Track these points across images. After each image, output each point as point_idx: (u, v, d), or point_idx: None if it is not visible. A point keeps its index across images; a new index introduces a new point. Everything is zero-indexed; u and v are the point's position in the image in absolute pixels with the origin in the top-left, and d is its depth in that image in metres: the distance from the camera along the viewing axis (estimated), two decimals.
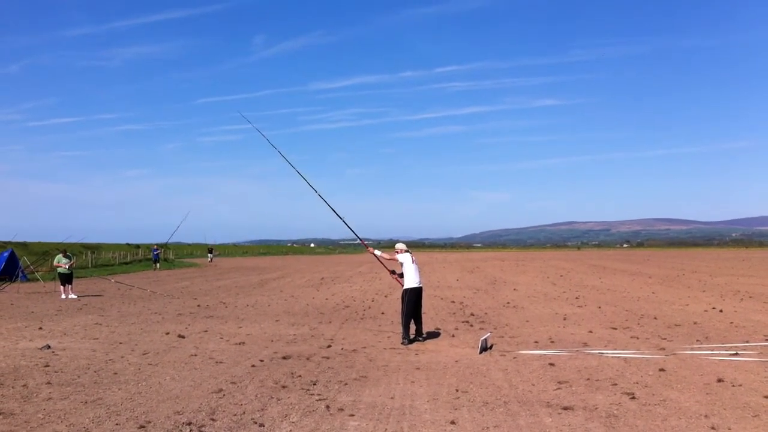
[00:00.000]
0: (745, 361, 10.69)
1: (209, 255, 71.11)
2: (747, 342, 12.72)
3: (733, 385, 8.90)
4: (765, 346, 12.23)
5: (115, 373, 10.07)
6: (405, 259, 13.15)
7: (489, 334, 13.03)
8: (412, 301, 13.02)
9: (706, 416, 7.41)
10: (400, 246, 13.44)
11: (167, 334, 14.44)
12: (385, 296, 24.04)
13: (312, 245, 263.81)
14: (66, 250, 26.58)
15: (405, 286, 13.08)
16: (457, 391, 8.81)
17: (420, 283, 13.19)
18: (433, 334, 14.01)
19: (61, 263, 25.06)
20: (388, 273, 13.93)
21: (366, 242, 14.22)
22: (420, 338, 13.14)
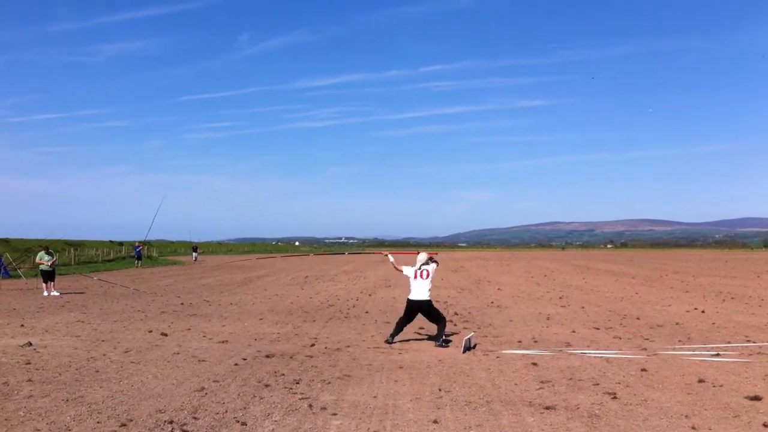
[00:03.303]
0: (727, 361, 10.77)
1: (194, 253, 70.58)
2: (728, 343, 12.80)
3: (714, 386, 8.96)
4: (746, 347, 12.32)
5: (97, 371, 10.02)
6: (408, 272, 13.01)
7: (472, 333, 13.05)
8: (408, 311, 12.85)
9: (687, 416, 7.46)
10: (419, 257, 12.98)
11: (150, 332, 14.37)
12: (369, 295, 24.04)
13: (297, 244, 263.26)
14: (48, 246, 26.44)
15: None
16: (440, 390, 8.83)
17: (417, 296, 12.74)
18: (417, 334, 14.01)
19: (44, 260, 24.89)
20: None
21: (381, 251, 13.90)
22: (437, 342, 12.65)
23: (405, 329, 13.12)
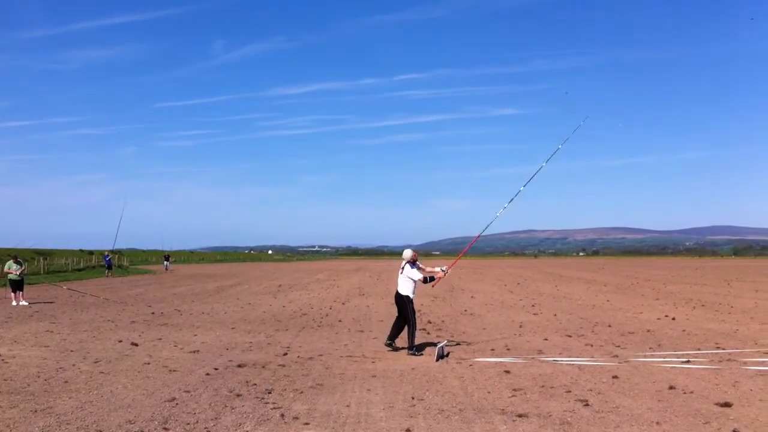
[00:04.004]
0: (697, 368, 10.86)
1: (165, 262, 69.90)
2: (699, 350, 12.93)
3: (685, 393, 9.03)
4: (716, 353, 12.45)
5: (66, 382, 9.88)
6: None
7: (445, 341, 13.06)
8: None
9: (657, 423, 7.51)
10: (403, 254, 13.28)
11: (120, 341, 14.22)
12: (343, 304, 24.00)
13: (270, 252, 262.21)
14: (17, 255, 26.11)
15: None
16: (413, 398, 8.81)
17: (397, 287, 13.11)
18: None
19: (12, 269, 24.55)
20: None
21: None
22: (408, 350, 12.68)
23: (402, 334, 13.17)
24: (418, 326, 16.68)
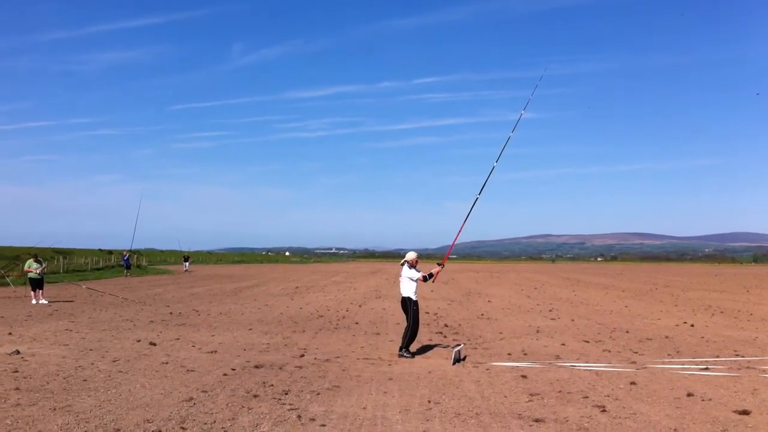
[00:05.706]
0: (715, 375, 10.79)
1: (185, 263, 69.90)
2: (717, 357, 12.84)
3: (703, 400, 8.97)
4: (735, 361, 12.36)
5: (85, 380, 9.95)
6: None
7: (462, 345, 13.04)
8: None
9: (675, 430, 7.47)
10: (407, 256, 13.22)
11: (138, 341, 14.30)
12: (360, 306, 24.00)
13: (287, 254, 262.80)
14: (37, 254, 26.29)
15: None
16: (429, 402, 8.81)
17: (401, 292, 13.04)
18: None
19: (32, 268, 24.76)
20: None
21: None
22: (399, 352, 12.83)
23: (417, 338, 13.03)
24: (436, 329, 16.70)
